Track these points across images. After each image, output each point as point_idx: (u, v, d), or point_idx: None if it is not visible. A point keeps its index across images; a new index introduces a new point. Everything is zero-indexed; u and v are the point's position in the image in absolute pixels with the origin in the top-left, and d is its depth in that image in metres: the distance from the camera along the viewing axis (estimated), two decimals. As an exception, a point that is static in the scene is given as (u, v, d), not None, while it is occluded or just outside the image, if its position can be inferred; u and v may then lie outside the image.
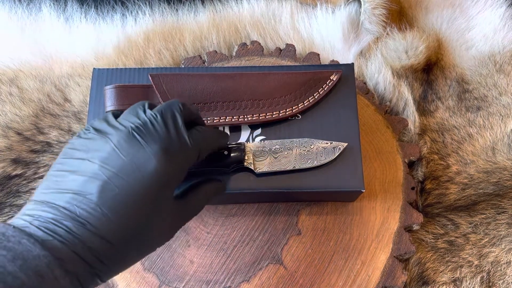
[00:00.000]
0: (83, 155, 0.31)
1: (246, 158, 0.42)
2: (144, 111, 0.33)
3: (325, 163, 0.42)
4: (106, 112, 0.44)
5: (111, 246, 0.29)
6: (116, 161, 0.30)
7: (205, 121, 0.45)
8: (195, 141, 0.33)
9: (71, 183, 0.30)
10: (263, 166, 0.42)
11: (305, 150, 0.43)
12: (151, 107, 0.34)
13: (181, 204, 0.34)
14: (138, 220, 0.30)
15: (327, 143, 0.43)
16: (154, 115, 0.32)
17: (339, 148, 0.43)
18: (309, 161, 0.42)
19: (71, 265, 0.27)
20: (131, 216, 0.30)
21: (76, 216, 0.28)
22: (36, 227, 0.27)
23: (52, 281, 0.25)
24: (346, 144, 0.43)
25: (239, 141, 0.44)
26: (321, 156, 0.42)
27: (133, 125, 0.32)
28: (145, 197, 0.30)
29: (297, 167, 0.42)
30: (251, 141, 0.45)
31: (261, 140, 0.44)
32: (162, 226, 0.32)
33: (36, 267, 0.25)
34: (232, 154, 0.41)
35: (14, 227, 0.26)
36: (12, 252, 0.24)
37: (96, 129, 0.32)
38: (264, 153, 0.43)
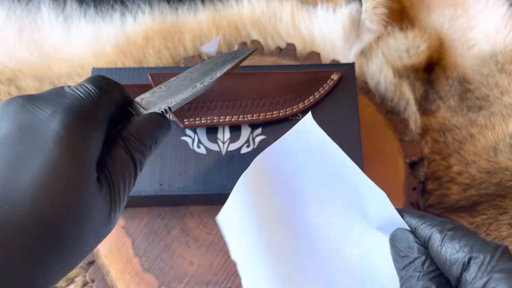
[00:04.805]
0: None
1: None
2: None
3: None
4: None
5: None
6: None
7: (205, 121, 0.44)
8: (99, 88, 0.27)
9: None
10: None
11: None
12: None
13: (106, 174, 0.26)
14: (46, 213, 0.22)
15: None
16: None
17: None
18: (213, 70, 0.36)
19: None
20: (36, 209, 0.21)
21: None
22: None
23: None
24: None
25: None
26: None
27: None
28: (53, 172, 0.22)
29: (204, 83, 0.35)
30: (251, 141, 0.45)
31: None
32: (91, 222, 0.24)
33: None
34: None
35: None
36: None
37: None
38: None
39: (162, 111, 0.33)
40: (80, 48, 0.56)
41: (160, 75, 0.44)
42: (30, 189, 0.22)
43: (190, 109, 0.44)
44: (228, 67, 0.37)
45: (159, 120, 0.31)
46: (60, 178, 0.22)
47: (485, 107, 0.55)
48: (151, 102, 0.33)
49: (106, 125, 0.27)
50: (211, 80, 0.36)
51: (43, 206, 0.22)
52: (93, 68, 0.46)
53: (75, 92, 0.26)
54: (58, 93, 0.26)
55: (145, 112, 0.32)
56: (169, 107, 0.33)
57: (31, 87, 0.55)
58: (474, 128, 0.54)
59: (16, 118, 0.23)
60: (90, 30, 0.57)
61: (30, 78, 0.55)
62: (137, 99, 0.33)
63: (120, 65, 0.55)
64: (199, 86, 0.35)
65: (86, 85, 0.27)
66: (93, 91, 0.27)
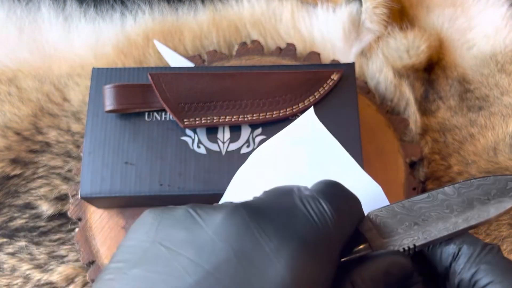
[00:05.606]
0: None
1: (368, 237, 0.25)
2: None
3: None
4: (106, 111, 0.44)
5: None
6: (212, 255, 0.19)
7: (205, 121, 0.44)
8: (337, 209, 0.22)
9: None
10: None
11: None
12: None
13: None
14: None
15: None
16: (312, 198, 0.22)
17: None
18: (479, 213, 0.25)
19: None
20: None
21: None
22: None
23: None
24: None
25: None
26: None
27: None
28: None
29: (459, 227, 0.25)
30: (251, 141, 0.45)
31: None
32: None
33: None
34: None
35: None
36: None
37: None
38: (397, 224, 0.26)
39: (404, 249, 0.25)
40: (80, 48, 0.57)
41: (160, 75, 0.44)
42: None
43: (190, 109, 0.44)
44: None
45: (405, 267, 0.24)
46: None
47: (485, 107, 0.55)
48: (389, 226, 0.25)
49: (337, 265, 0.21)
50: (481, 220, 0.25)
51: None
52: (93, 68, 0.46)
53: (308, 212, 0.21)
54: (289, 209, 0.21)
55: (380, 240, 0.24)
56: (414, 245, 0.25)
57: (31, 87, 0.55)
58: (474, 128, 0.54)
59: (236, 242, 0.19)
60: (90, 30, 0.57)
61: (30, 78, 0.55)
62: (371, 214, 0.26)
63: (120, 65, 0.55)
64: (461, 224, 0.25)
65: (322, 202, 0.22)
66: (329, 214, 0.22)
